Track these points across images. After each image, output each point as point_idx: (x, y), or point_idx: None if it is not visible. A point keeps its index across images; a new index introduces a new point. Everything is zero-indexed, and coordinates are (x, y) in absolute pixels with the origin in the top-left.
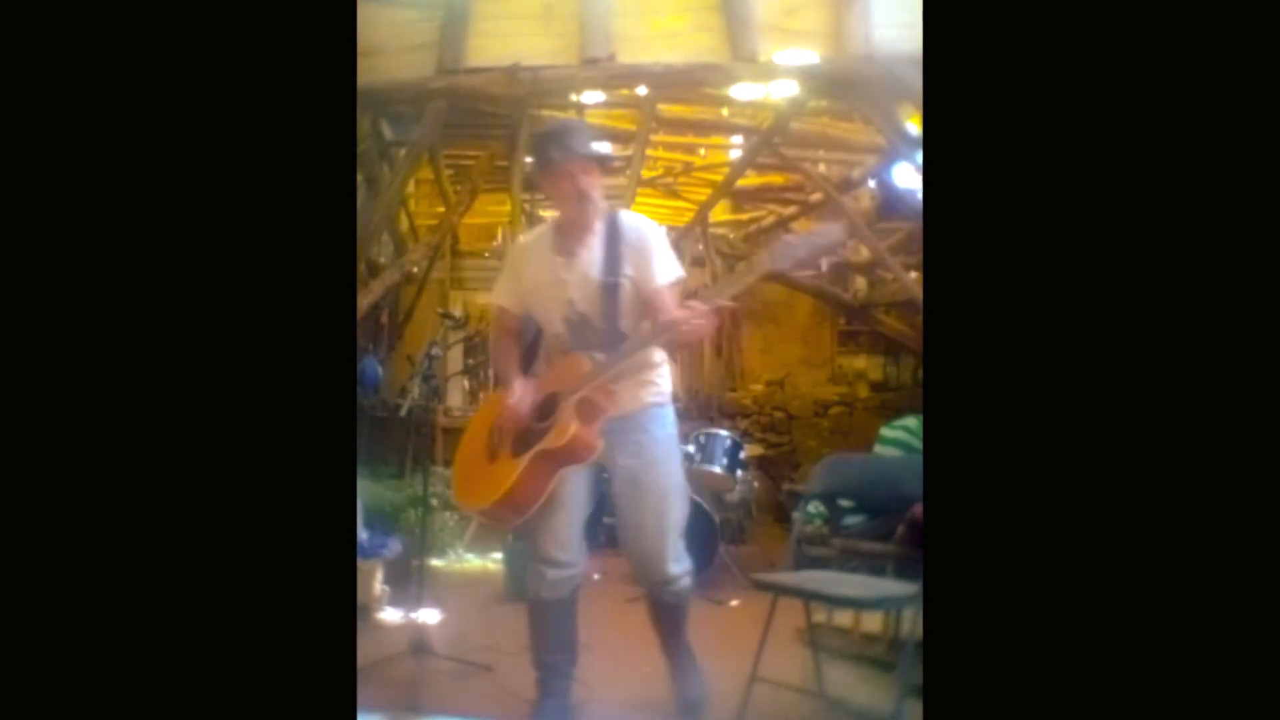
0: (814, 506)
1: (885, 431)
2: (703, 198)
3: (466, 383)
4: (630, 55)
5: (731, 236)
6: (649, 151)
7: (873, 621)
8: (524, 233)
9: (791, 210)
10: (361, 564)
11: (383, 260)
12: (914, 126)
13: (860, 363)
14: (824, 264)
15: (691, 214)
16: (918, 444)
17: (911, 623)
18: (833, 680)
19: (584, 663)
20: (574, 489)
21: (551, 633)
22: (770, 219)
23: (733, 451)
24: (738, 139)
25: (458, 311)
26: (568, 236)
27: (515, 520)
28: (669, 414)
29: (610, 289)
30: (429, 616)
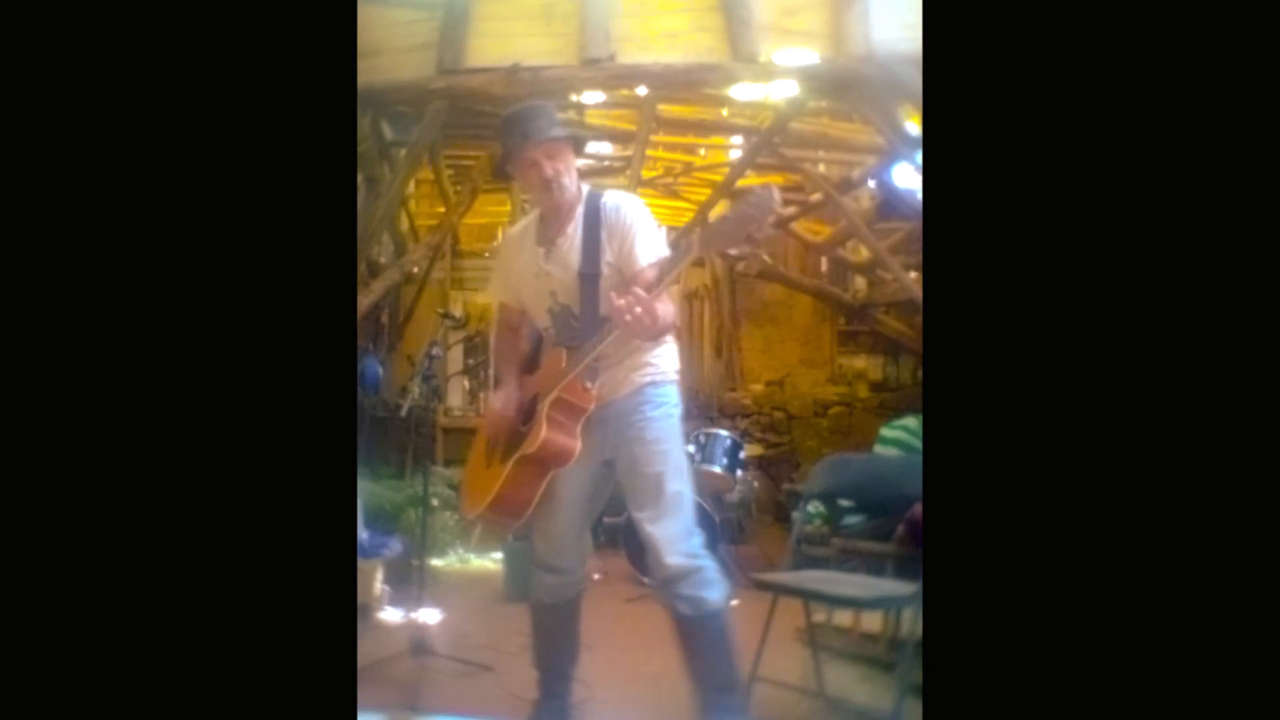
0: (814, 506)
1: (885, 431)
2: (702, 198)
3: (466, 383)
4: (630, 55)
5: None
6: (649, 152)
7: (872, 621)
8: (512, 224)
9: (791, 210)
10: (362, 564)
11: (383, 260)
12: (914, 126)
13: (860, 363)
14: (823, 263)
15: (691, 214)
16: (917, 444)
17: (911, 622)
18: (832, 680)
19: (584, 663)
20: (571, 492)
21: (552, 636)
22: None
23: (733, 451)
24: (738, 139)
25: (458, 311)
26: (549, 225)
27: (513, 524)
28: (668, 392)
29: (589, 279)
30: (429, 616)
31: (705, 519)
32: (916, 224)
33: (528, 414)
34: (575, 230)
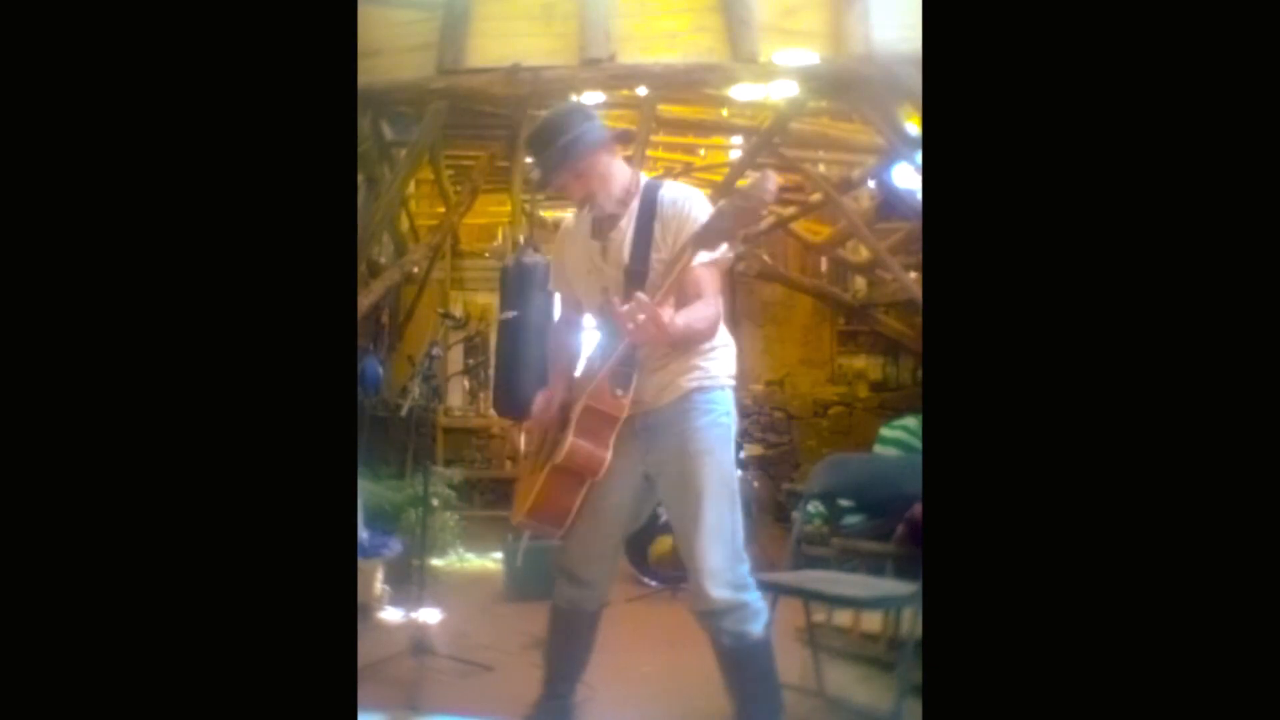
0: (814, 506)
1: (885, 431)
2: None
3: (467, 383)
4: (630, 55)
5: None
6: (649, 152)
7: (872, 621)
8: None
9: (791, 210)
10: (362, 564)
11: (383, 260)
12: (914, 126)
13: (860, 363)
14: (823, 263)
15: None
16: (917, 444)
17: (911, 622)
18: (832, 679)
19: None
20: (607, 504)
21: (565, 643)
22: (769, 219)
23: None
24: (738, 139)
25: (458, 311)
26: (602, 219)
27: (555, 532)
28: (718, 399)
29: (635, 277)
30: (429, 616)
31: None
32: (916, 224)
33: (564, 420)
34: (629, 224)
